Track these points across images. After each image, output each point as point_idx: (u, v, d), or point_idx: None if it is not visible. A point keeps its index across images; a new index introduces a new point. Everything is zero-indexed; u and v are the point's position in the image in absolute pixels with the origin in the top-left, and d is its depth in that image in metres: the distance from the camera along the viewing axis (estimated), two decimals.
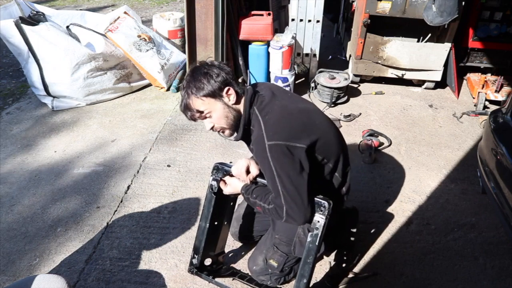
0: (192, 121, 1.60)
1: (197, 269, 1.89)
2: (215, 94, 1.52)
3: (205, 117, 1.56)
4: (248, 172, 1.69)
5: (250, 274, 1.93)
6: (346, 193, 1.83)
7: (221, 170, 1.78)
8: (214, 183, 1.79)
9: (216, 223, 1.87)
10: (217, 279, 1.89)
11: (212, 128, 1.59)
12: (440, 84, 4.10)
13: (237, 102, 1.57)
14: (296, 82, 4.09)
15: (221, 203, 1.86)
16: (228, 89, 1.53)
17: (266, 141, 1.47)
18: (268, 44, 3.65)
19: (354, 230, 2.08)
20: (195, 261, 1.88)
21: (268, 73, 3.80)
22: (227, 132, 1.61)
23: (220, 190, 1.81)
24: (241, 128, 1.58)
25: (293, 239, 1.76)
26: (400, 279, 2.03)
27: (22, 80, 4.14)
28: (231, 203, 1.94)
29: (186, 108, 1.55)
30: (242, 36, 3.65)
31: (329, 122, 1.71)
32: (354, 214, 2.11)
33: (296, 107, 1.60)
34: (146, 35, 3.79)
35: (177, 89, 3.92)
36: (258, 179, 1.69)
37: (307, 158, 1.49)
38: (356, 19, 4.06)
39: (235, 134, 1.62)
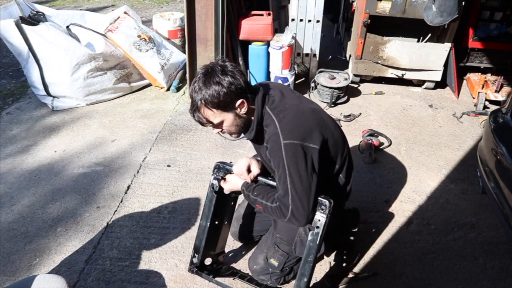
0: (198, 123, 1.58)
1: (197, 268, 1.89)
2: (227, 107, 1.49)
3: (214, 127, 1.55)
4: (249, 171, 1.69)
5: (250, 273, 1.93)
6: (348, 194, 1.84)
7: (222, 169, 1.78)
8: (215, 182, 1.79)
9: (216, 222, 1.87)
10: (217, 279, 1.89)
11: (219, 132, 1.59)
12: (440, 84, 4.10)
13: (248, 112, 1.54)
14: (296, 82, 4.09)
15: (222, 203, 1.86)
16: (242, 102, 1.50)
17: (282, 139, 1.46)
18: (268, 44, 3.65)
19: (355, 230, 2.08)
20: (195, 260, 1.88)
21: (268, 73, 3.80)
22: (234, 135, 1.61)
23: (221, 189, 1.81)
24: (254, 127, 1.56)
25: (294, 239, 1.77)
26: (400, 279, 2.03)
27: (22, 80, 4.14)
28: (232, 203, 1.94)
29: (196, 116, 1.52)
30: (242, 36, 3.65)
31: (335, 123, 1.72)
32: (355, 214, 2.11)
33: (307, 107, 1.60)
34: (146, 35, 3.79)
35: (177, 89, 3.92)
36: (259, 178, 1.69)
37: (318, 159, 1.49)
38: (356, 19, 4.06)
39: (247, 134, 1.60)
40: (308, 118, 1.54)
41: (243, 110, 1.52)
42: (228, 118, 1.52)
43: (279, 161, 1.47)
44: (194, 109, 1.50)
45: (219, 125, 1.54)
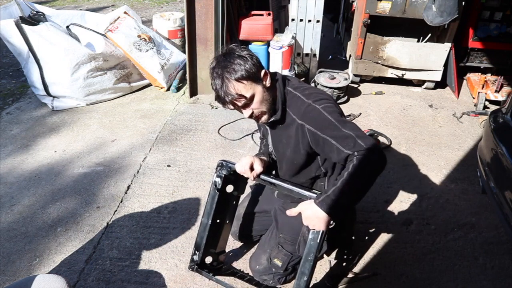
0: (229, 108, 1.51)
1: (198, 266, 1.89)
2: (255, 77, 1.48)
3: (246, 104, 1.50)
4: (252, 169, 1.68)
5: (251, 273, 1.92)
6: None
7: (225, 167, 1.78)
8: (218, 180, 1.78)
9: (218, 221, 1.87)
10: (216, 277, 1.89)
11: (251, 115, 1.54)
12: (440, 84, 4.10)
13: (272, 85, 1.55)
14: None
15: (224, 201, 1.85)
16: (265, 72, 1.52)
17: (318, 106, 1.48)
18: (268, 44, 3.65)
19: (353, 229, 2.08)
20: (196, 257, 1.87)
21: None
22: (264, 117, 1.56)
23: (223, 187, 1.80)
24: (280, 107, 1.56)
25: (298, 238, 1.76)
26: (400, 279, 2.03)
27: (22, 80, 4.14)
28: (234, 202, 1.93)
29: (226, 94, 1.46)
30: (242, 36, 3.65)
31: None
32: (352, 212, 2.12)
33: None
34: (146, 35, 3.79)
35: (177, 89, 3.92)
36: (262, 176, 1.69)
37: None
38: (356, 19, 4.06)
39: (274, 116, 1.58)
40: (330, 95, 1.62)
41: (268, 82, 1.53)
42: (258, 91, 1.50)
43: (324, 123, 1.46)
44: (222, 86, 1.45)
45: (251, 100, 1.49)
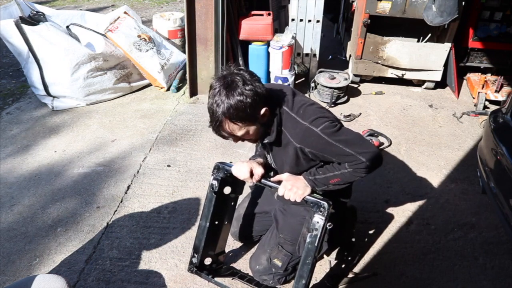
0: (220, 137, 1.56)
1: (197, 268, 1.89)
2: (252, 118, 1.47)
3: (239, 140, 1.56)
4: (252, 174, 1.68)
5: (251, 273, 1.93)
6: (351, 192, 1.88)
7: (222, 170, 1.78)
8: (215, 182, 1.79)
9: (216, 222, 1.87)
10: (216, 279, 1.89)
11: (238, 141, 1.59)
12: (440, 84, 4.10)
13: (269, 118, 1.54)
14: (296, 82, 4.09)
15: (222, 203, 1.86)
16: (266, 111, 1.49)
17: (316, 129, 1.49)
18: (268, 44, 3.65)
19: (353, 229, 2.08)
20: (194, 260, 1.88)
21: (268, 73, 3.80)
22: (253, 141, 1.63)
23: (220, 189, 1.80)
24: (275, 129, 1.56)
25: (298, 239, 1.77)
26: (400, 279, 2.03)
27: (22, 80, 4.14)
28: (232, 203, 1.94)
29: (219, 129, 1.48)
30: (242, 36, 3.65)
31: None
32: (353, 212, 2.12)
33: (316, 103, 1.66)
34: (146, 35, 3.79)
35: (177, 89, 3.92)
36: (263, 181, 1.69)
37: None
38: (356, 19, 4.06)
39: (268, 137, 1.59)
40: (325, 110, 1.61)
41: (266, 119, 1.52)
42: (252, 129, 1.51)
43: (326, 146, 1.50)
44: (218, 125, 1.45)
45: (242, 137, 1.53)
